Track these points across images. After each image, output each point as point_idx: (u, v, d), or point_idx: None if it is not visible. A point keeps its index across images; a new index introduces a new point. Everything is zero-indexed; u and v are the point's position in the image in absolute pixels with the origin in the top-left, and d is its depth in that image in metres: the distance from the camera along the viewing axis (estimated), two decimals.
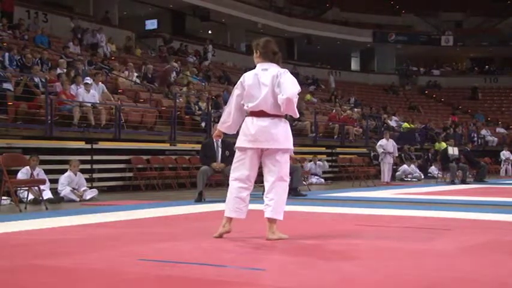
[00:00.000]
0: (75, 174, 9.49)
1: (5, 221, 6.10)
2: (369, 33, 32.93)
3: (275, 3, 30.92)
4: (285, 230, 4.64)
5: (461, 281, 3.21)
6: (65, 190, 9.17)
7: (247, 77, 4.57)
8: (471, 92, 33.21)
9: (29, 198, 8.33)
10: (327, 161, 16.59)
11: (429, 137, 22.04)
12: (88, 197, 9.29)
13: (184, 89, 16.53)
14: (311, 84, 27.67)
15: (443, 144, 17.49)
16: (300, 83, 4.74)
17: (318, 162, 15.31)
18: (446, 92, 33.92)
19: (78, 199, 9.14)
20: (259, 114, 4.48)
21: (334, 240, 4.70)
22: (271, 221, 4.50)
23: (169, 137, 13.24)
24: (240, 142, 4.57)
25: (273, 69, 4.51)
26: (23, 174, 8.68)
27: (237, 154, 4.62)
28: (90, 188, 9.89)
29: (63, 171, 9.64)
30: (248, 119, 4.56)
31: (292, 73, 4.63)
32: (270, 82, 4.45)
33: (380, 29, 33.78)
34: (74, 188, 9.31)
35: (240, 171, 4.56)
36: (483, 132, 25.30)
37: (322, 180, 15.23)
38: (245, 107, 4.57)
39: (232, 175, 4.59)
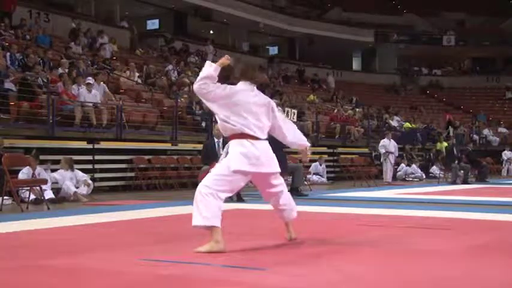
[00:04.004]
0: (67, 170, 9.43)
1: (7, 221, 6.11)
2: (371, 33, 32.87)
3: (277, 3, 30.90)
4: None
5: (462, 281, 3.21)
6: (64, 185, 9.16)
7: None
8: None
9: (30, 198, 8.33)
10: (329, 160, 16.59)
11: (431, 137, 22.02)
12: (83, 192, 9.30)
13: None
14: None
15: (445, 144, 17.50)
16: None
17: (323, 164, 15.35)
18: (448, 92, 33.89)
19: (77, 191, 9.17)
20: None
21: (336, 240, 4.70)
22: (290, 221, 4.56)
23: (170, 137, 13.25)
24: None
25: None
26: (23, 174, 8.68)
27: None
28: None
29: None
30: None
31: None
32: None
33: (382, 28, 33.71)
34: (76, 187, 9.33)
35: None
36: (485, 132, 25.22)
37: (324, 179, 15.24)
38: None
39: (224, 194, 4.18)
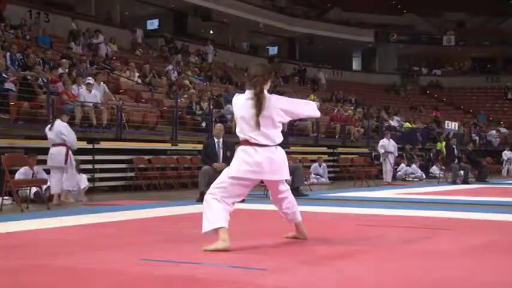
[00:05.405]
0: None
1: (7, 221, 6.11)
2: (371, 33, 32.90)
3: (277, 3, 30.92)
4: (286, 230, 4.65)
5: (462, 281, 3.21)
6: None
7: None
8: None
9: (31, 193, 8.30)
10: (329, 160, 16.59)
11: (431, 137, 22.03)
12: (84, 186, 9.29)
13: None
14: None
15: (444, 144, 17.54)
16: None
17: (322, 165, 15.31)
18: (448, 92, 33.90)
19: (73, 189, 9.13)
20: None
21: (336, 240, 4.71)
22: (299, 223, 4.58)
23: (170, 137, 13.25)
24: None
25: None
26: (21, 173, 8.66)
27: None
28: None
29: None
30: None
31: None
32: None
33: (382, 28, 33.74)
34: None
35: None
36: (493, 132, 25.10)
37: (325, 179, 15.22)
38: None
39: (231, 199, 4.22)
